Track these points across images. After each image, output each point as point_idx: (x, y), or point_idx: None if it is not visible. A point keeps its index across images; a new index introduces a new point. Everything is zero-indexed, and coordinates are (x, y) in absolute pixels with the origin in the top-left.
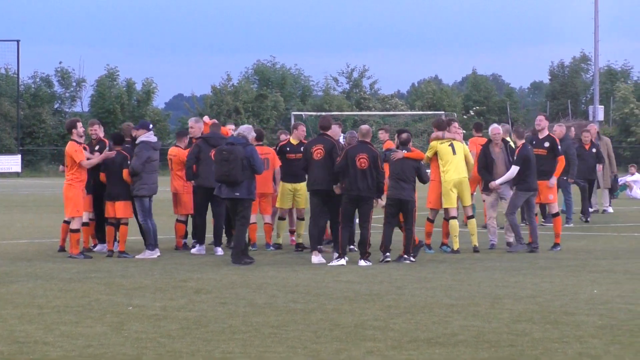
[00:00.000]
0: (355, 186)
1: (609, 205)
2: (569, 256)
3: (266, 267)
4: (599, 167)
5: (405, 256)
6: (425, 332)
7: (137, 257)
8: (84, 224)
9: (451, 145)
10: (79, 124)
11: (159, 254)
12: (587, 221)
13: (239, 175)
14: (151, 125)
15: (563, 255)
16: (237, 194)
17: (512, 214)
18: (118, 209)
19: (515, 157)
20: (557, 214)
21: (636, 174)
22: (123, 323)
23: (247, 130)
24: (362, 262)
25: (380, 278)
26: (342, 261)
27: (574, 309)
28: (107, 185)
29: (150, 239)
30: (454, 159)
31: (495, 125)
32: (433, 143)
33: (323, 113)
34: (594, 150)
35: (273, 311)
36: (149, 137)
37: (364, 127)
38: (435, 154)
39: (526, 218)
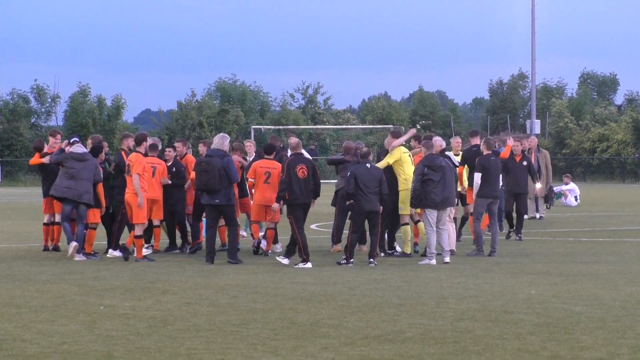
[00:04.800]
0: (302, 194)
1: (537, 212)
2: (508, 259)
3: (228, 269)
4: (536, 184)
5: (371, 259)
6: (376, 330)
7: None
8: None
9: (410, 156)
10: (149, 138)
11: (75, 243)
12: (519, 239)
13: (216, 184)
14: (75, 139)
15: (502, 259)
16: (217, 200)
17: (477, 220)
18: (89, 215)
19: (475, 165)
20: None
21: (570, 183)
22: (95, 321)
23: (220, 141)
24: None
25: (333, 279)
26: (309, 264)
27: (512, 308)
28: None
29: (68, 238)
30: (412, 169)
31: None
32: (396, 152)
33: (281, 127)
34: (524, 163)
35: (234, 311)
36: (76, 148)
37: (294, 140)
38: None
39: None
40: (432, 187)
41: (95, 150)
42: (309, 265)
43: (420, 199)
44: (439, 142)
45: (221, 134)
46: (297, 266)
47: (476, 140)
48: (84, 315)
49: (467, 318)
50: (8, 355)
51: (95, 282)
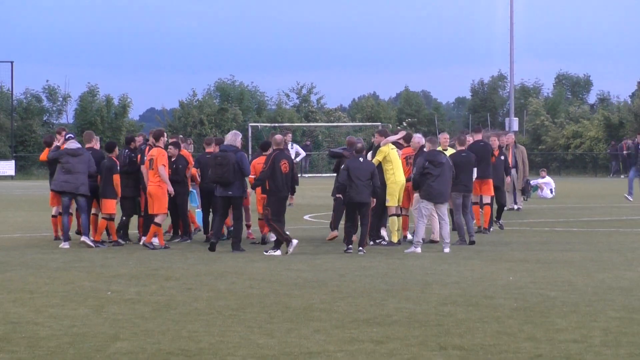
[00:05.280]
0: (283, 187)
1: (515, 203)
2: (487, 248)
3: (227, 257)
4: (507, 178)
5: (360, 248)
6: (365, 314)
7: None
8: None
9: (397, 151)
10: (165, 134)
11: (67, 246)
12: (501, 227)
13: (231, 176)
14: (70, 135)
15: (483, 247)
16: (230, 192)
17: (457, 212)
18: (104, 205)
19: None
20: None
21: (546, 177)
22: (103, 306)
23: (233, 138)
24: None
25: (325, 267)
26: (294, 241)
27: (492, 293)
28: (100, 185)
29: (65, 233)
30: (400, 164)
31: (418, 134)
32: (384, 148)
33: (276, 124)
34: (502, 157)
35: (233, 296)
36: (70, 144)
37: (279, 137)
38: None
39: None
40: (430, 181)
41: (110, 146)
42: (294, 242)
43: (418, 188)
44: (417, 139)
45: (233, 131)
46: (286, 253)
47: (479, 136)
48: (92, 300)
49: (450, 303)
50: (22, 337)
51: (103, 269)
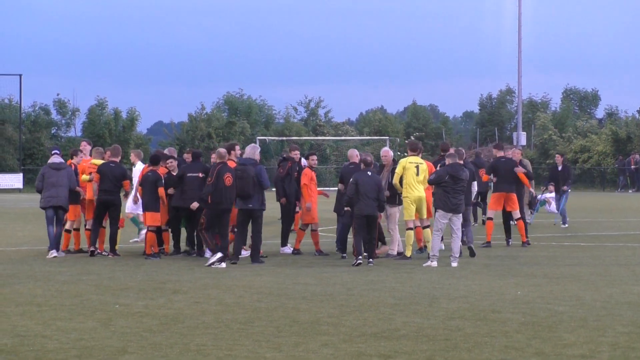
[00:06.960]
0: (224, 200)
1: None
2: (495, 262)
3: (234, 271)
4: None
5: (370, 260)
6: (373, 328)
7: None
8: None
9: (417, 167)
10: (237, 147)
11: (55, 255)
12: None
13: (251, 189)
14: (55, 151)
15: (490, 261)
16: (250, 205)
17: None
18: (148, 217)
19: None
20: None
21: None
22: (111, 319)
23: (252, 151)
24: (221, 263)
25: (333, 280)
26: (223, 265)
27: (500, 307)
28: (143, 198)
29: (50, 242)
30: (415, 179)
31: (385, 148)
32: (402, 160)
33: (284, 138)
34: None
35: (241, 309)
36: (53, 159)
37: (222, 150)
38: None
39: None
40: (447, 192)
41: (154, 159)
42: (223, 265)
43: (435, 200)
44: (384, 152)
45: (252, 144)
46: (213, 265)
47: (500, 153)
48: (100, 313)
49: (458, 317)
50: (30, 350)
51: (111, 282)
